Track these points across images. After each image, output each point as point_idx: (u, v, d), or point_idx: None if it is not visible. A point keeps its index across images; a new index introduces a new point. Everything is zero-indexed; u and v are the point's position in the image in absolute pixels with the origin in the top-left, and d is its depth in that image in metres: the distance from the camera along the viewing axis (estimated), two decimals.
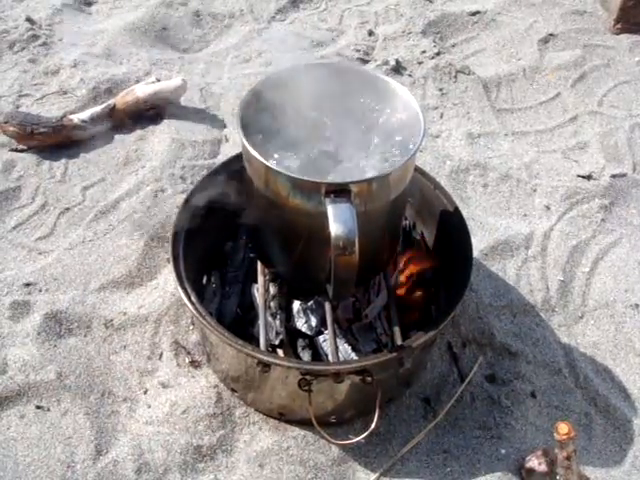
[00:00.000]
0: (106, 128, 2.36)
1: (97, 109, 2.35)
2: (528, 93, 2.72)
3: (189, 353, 1.73)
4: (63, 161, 2.26)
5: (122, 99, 2.38)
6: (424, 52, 2.85)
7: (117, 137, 2.35)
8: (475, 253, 1.68)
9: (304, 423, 1.56)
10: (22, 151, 2.27)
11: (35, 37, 2.79)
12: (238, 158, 1.63)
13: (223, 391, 1.64)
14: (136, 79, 2.57)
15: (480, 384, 1.71)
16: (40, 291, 1.84)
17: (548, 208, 2.20)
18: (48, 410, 1.59)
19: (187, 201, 1.67)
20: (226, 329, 1.44)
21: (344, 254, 1.20)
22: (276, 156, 1.39)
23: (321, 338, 1.61)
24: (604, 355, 1.82)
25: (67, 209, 2.10)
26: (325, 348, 1.58)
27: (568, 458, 1.43)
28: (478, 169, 2.31)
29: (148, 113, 2.40)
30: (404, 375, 1.59)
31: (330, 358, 1.50)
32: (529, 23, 3.06)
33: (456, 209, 1.70)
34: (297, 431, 1.58)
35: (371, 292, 1.71)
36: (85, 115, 2.32)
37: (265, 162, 1.29)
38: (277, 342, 1.55)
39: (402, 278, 1.74)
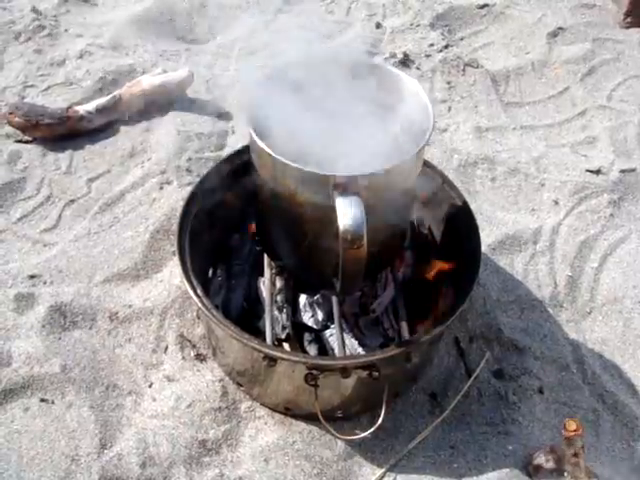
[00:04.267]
0: (112, 120, 2.35)
1: (103, 100, 2.34)
2: (537, 87, 2.70)
3: (194, 346, 1.72)
4: (68, 152, 2.25)
5: (128, 90, 2.37)
6: (432, 45, 2.83)
7: (123, 129, 2.34)
8: (483, 248, 1.67)
9: (310, 418, 1.55)
10: (27, 142, 2.26)
11: (41, 28, 2.78)
12: (245, 150, 1.62)
13: (228, 385, 1.64)
14: (142, 70, 2.56)
15: (487, 380, 1.70)
16: (45, 283, 1.83)
17: (556, 203, 2.18)
18: (52, 403, 1.59)
19: (193, 193, 1.66)
20: (232, 323, 1.43)
21: (352, 248, 1.19)
22: (284, 148, 1.37)
23: (328, 332, 1.60)
24: (612, 351, 1.81)
25: (72, 201, 2.10)
26: (332, 342, 1.57)
27: (576, 455, 1.42)
28: (486, 163, 2.30)
29: (154, 105, 2.39)
30: (411, 370, 1.58)
31: (337, 353, 1.49)
32: (538, 16, 3.03)
33: (464, 203, 1.69)
34: (303, 426, 1.57)
35: (378, 286, 1.70)
36: (91, 106, 2.31)
37: (273, 154, 1.28)
38: (283, 336, 1.54)
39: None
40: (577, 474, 1.44)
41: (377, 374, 1.38)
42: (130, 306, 1.79)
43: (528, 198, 2.21)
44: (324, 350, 1.59)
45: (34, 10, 2.85)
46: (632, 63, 2.80)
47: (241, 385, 1.62)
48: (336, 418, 1.55)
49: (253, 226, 1.73)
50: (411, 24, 2.96)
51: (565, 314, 1.88)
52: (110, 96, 2.36)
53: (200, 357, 1.70)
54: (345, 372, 1.38)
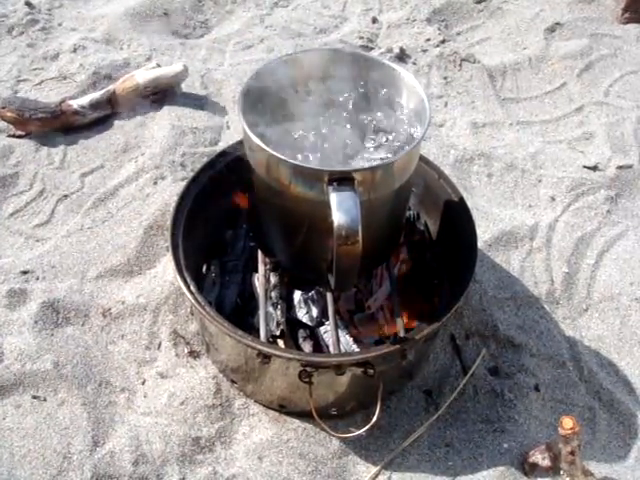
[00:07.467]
0: (105, 114, 2.33)
1: (96, 95, 2.32)
2: (533, 82, 2.69)
3: (188, 343, 1.71)
4: (62, 147, 2.23)
5: (122, 85, 2.35)
6: (429, 40, 2.82)
7: (116, 123, 2.33)
8: (479, 244, 1.66)
9: (304, 415, 1.54)
10: (20, 137, 2.24)
11: (34, 21, 2.76)
12: (239, 145, 1.61)
13: (222, 382, 1.62)
14: (136, 65, 2.54)
15: (483, 377, 1.69)
16: (37, 279, 1.82)
17: (553, 199, 2.17)
18: (44, 400, 1.57)
19: (187, 189, 1.64)
20: (225, 319, 1.42)
21: (347, 244, 1.17)
22: (278, 143, 1.36)
23: (322, 329, 1.59)
24: (609, 349, 1.80)
25: (65, 196, 2.08)
26: (326, 339, 1.56)
27: (572, 453, 1.41)
28: (483, 159, 2.28)
29: (148, 99, 2.37)
30: (406, 367, 1.57)
31: (331, 349, 1.48)
32: (535, 12, 3.02)
33: (461, 199, 1.68)
34: (297, 423, 1.56)
35: (373, 283, 1.69)
36: (84, 101, 2.29)
37: (267, 149, 1.26)
38: (278, 333, 1.53)
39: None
40: (573, 472, 1.43)
41: (372, 371, 1.37)
42: (123, 302, 1.77)
43: (525, 194, 2.20)
44: (319, 347, 1.58)
45: (27, 4, 2.83)
46: (629, 59, 2.79)
47: (235, 382, 1.60)
48: (331, 416, 1.54)
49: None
50: (408, 19, 2.95)
51: (561, 311, 1.87)
52: (104, 90, 2.34)
53: (194, 354, 1.69)
54: (340, 369, 1.37)
